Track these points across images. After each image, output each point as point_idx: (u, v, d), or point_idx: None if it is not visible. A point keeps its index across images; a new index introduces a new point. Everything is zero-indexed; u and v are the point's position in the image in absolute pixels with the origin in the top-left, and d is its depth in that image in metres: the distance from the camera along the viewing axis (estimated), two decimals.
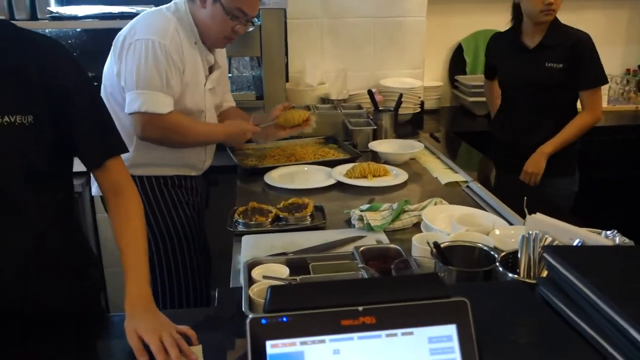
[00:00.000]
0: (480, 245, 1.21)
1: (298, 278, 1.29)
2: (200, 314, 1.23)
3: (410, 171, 2.21)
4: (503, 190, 2.12)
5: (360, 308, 0.77)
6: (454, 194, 1.99)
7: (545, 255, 0.98)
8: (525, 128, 2.49)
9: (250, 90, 2.72)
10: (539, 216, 1.16)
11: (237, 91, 2.73)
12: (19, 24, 2.96)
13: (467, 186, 2.06)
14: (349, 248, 1.47)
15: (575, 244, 1.09)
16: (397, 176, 2.14)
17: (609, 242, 1.07)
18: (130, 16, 2.62)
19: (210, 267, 2.34)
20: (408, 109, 2.99)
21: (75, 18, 2.68)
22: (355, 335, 0.76)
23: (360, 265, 1.23)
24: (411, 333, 0.77)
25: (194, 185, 2.13)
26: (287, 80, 2.92)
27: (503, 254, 1.12)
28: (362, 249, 1.37)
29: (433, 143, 2.65)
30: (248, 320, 0.73)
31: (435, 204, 1.77)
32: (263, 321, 0.75)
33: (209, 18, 1.88)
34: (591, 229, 1.22)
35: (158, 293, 2.13)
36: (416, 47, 3.10)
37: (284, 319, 0.75)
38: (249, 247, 1.57)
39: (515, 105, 2.54)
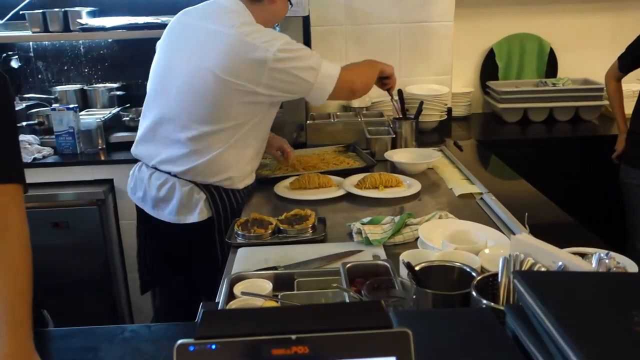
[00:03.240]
0: (459, 265, 1.15)
1: (279, 295, 1.28)
2: (182, 328, 1.24)
3: (426, 182, 2.15)
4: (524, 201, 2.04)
5: (294, 337, 0.74)
6: (466, 207, 1.92)
7: (514, 280, 0.93)
8: None
9: None
10: (523, 236, 1.10)
11: None
12: (52, 36, 3.04)
13: (481, 198, 1.99)
14: None
15: (556, 268, 1.02)
16: (410, 187, 2.08)
17: (591, 268, 1.01)
18: (155, 26, 2.70)
19: None
20: (434, 116, 2.92)
21: (103, 29, 2.77)
22: None
23: (334, 285, 1.20)
24: None
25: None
26: None
27: (479, 277, 1.06)
28: (349, 265, 1.33)
29: (455, 152, 2.58)
30: (175, 347, 0.72)
31: (440, 218, 1.71)
32: (191, 348, 0.73)
33: (279, 8, 2.05)
34: (581, 249, 1.16)
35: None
36: (443, 53, 3.02)
37: (213, 347, 0.74)
38: (243, 260, 1.56)
39: None
